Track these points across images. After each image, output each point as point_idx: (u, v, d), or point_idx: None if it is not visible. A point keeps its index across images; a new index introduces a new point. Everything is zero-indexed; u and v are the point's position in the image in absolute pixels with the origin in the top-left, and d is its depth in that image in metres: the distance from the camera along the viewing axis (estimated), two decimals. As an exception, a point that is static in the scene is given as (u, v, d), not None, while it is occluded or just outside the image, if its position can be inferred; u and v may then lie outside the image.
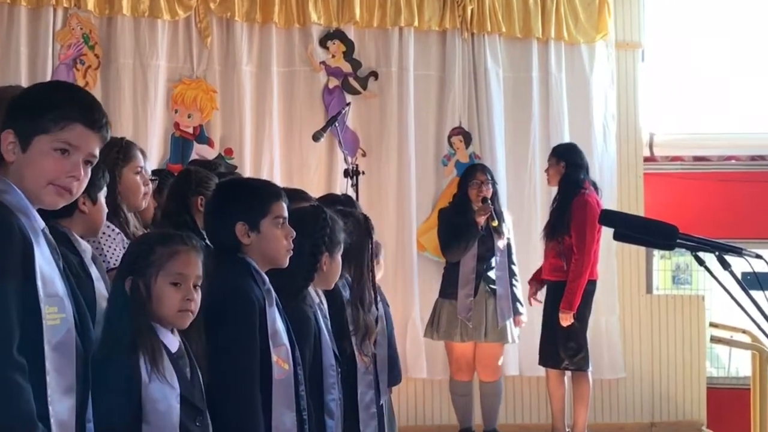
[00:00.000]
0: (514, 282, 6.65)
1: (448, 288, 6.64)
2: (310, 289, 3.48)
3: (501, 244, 6.60)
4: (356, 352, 3.81)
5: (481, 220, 6.52)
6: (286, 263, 3.21)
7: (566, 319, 6.31)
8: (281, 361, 3.07)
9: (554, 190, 6.83)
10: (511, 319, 6.55)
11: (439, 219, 6.79)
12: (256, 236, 3.13)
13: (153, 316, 2.72)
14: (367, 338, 3.85)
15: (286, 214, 3.21)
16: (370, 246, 4.04)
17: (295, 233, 3.21)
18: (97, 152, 2.42)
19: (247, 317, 3.00)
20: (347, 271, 3.95)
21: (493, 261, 6.56)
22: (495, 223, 6.53)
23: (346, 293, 3.93)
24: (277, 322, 3.10)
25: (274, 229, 3.16)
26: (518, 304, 6.61)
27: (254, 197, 3.19)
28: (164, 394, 2.64)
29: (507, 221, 6.73)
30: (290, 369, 3.11)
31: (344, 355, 3.72)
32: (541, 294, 6.68)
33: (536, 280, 6.72)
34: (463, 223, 6.53)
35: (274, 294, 3.13)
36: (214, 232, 3.20)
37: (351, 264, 3.95)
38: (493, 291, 6.53)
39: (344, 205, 4.50)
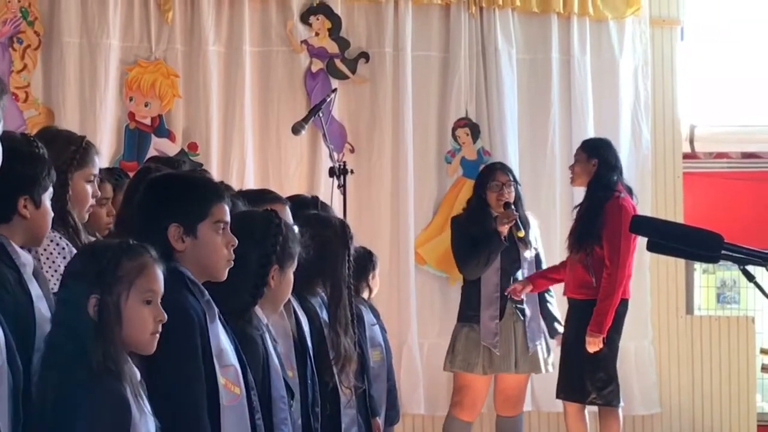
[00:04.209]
0: (548, 297, 6.66)
1: (468, 310, 6.59)
2: (257, 309, 3.43)
3: (528, 254, 6.59)
4: (337, 384, 3.81)
5: (504, 229, 6.46)
6: (224, 276, 3.19)
7: (594, 344, 6.29)
8: (230, 384, 3.05)
9: (578, 192, 6.84)
10: (546, 343, 6.54)
11: (453, 230, 6.76)
12: (192, 242, 3.11)
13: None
14: (347, 367, 3.85)
15: (228, 218, 3.19)
16: (348, 258, 4.04)
17: (237, 242, 3.19)
18: None
19: (187, 335, 2.98)
20: (322, 289, 3.94)
21: (519, 275, 6.56)
22: (521, 234, 6.49)
23: (323, 315, 3.93)
24: (221, 340, 3.09)
25: (213, 235, 3.13)
26: (556, 324, 6.62)
27: (192, 196, 3.17)
28: (147, 428, 2.68)
29: (533, 227, 6.72)
30: (242, 393, 3.10)
31: (326, 388, 3.72)
32: (532, 300, 6.59)
33: (530, 281, 6.56)
34: (482, 233, 6.51)
35: (215, 308, 3.11)
36: (142, 234, 3.09)
37: (326, 280, 3.94)
38: (522, 311, 6.53)
39: (314, 208, 4.51)
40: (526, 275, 6.57)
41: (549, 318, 6.63)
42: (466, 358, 6.53)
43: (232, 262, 3.19)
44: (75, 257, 2.89)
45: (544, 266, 6.74)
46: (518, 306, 6.51)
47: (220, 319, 3.13)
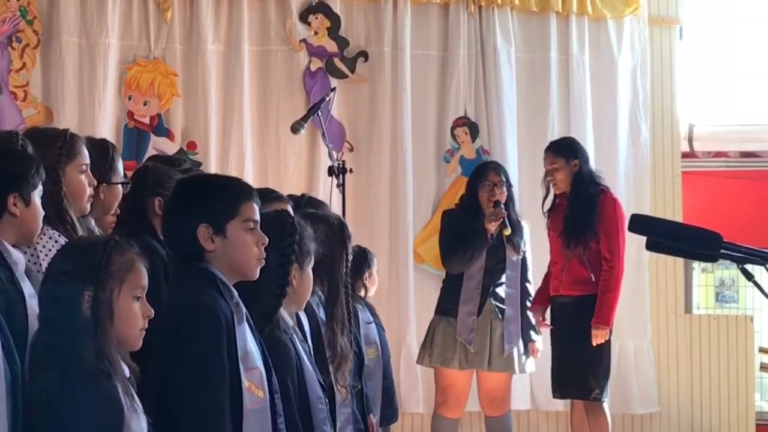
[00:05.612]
0: (528, 304, 6.61)
1: (448, 304, 6.54)
2: (282, 311, 3.43)
3: (514, 257, 6.55)
4: (333, 382, 3.80)
5: (492, 227, 6.42)
6: (257, 275, 3.19)
7: (601, 336, 6.27)
8: (254, 387, 3.05)
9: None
10: (521, 347, 6.49)
11: (442, 223, 6.72)
12: (222, 241, 3.11)
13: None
14: (343, 365, 3.84)
15: (257, 217, 3.19)
16: (346, 257, 4.02)
17: (267, 240, 3.19)
18: None
19: (212, 336, 2.97)
20: (319, 287, 3.94)
21: (503, 277, 6.52)
22: (507, 232, 6.46)
23: (320, 313, 3.92)
24: (248, 342, 3.08)
25: (243, 234, 3.14)
26: (532, 332, 6.56)
27: (220, 195, 3.18)
28: (140, 426, 2.67)
29: (525, 232, 6.67)
30: (266, 397, 3.09)
31: (323, 386, 3.71)
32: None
33: (540, 304, 6.60)
34: (470, 229, 6.48)
35: (244, 309, 3.11)
36: (173, 235, 3.17)
37: (323, 278, 3.93)
38: (501, 311, 6.49)
39: (307, 206, 4.50)
40: (510, 276, 6.50)
41: (526, 325, 6.55)
42: (443, 352, 6.48)
43: (263, 261, 3.19)
44: (60, 255, 2.84)
45: (529, 271, 6.66)
46: (499, 305, 6.46)
47: (248, 321, 3.12)
